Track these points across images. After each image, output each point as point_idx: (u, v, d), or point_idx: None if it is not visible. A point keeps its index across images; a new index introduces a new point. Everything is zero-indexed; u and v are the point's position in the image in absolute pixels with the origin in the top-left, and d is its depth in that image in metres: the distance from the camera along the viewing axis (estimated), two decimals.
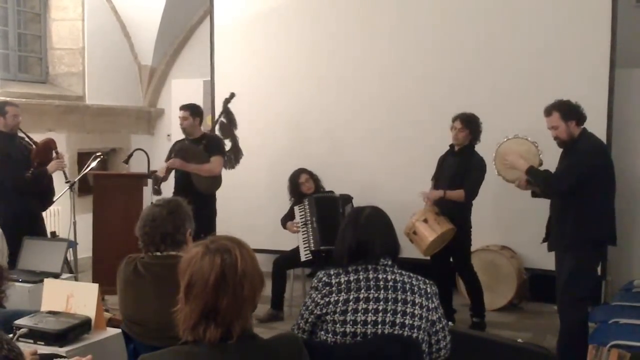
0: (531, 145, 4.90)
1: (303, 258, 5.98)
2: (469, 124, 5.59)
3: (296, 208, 6.12)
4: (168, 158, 6.27)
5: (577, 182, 4.42)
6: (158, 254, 3.07)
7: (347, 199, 6.07)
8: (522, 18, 6.54)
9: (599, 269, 5.90)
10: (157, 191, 6.17)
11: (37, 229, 5.93)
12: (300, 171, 6.25)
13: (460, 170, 5.56)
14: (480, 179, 5.59)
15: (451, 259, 5.79)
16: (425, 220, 5.48)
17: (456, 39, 6.75)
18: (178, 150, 6.12)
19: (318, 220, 5.89)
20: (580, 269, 4.49)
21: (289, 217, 6.27)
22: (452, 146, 5.75)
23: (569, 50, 6.34)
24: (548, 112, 4.58)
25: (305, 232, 5.98)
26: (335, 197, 6.07)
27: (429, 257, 5.72)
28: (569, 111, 4.52)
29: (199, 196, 5.61)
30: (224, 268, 1.86)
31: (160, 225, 3.05)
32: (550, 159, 4.80)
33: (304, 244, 5.98)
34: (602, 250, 4.68)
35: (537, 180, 4.70)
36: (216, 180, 6.47)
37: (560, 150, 4.67)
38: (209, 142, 6.38)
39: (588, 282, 4.52)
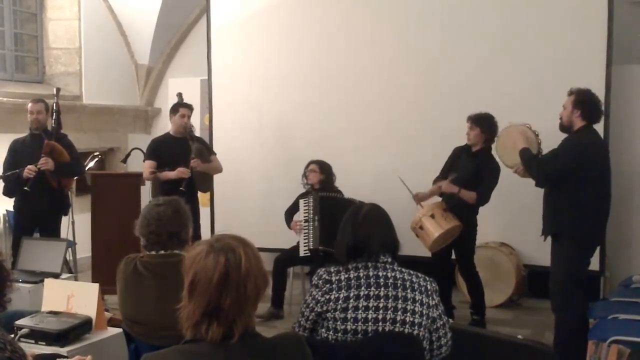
0: (530, 133, 4.87)
1: (302, 253, 5.99)
2: (478, 122, 5.54)
3: (301, 201, 6.10)
4: (153, 157, 6.15)
5: (555, 173, 4.47)
6: (159, 252, 3.08)
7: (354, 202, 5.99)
8: (518, 16, 6.55)
9: (597, 265, 5.97)
10: (155, 193, 6.15)
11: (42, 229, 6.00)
12: (313, 161, 6.26)
13: (477, 174, 5.51)
14: (494, 184, 5.57)
15: (453, 256, 5.79)
16: (432, 216, 5.47)
17: (452, 38, 6.76)
18: (198, 153, 6.11)
19: (320, 220, 5.88)
20: (558, 265, 4.54)
21: (292, 211, 6.28)
22: (469, 146, 5.69)
23: (565, 48, 6.35)
24: (570, 92, 4.63)
25: (307, 229, 5.97)
26: (341, 199, 6.00)
27: (430, 254, 5.72)
28: (581, 100, 4.55)
29: (188, 196, 5.66)
30: (228, 267, 1.86)
31: (167, 224, 3.06)
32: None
33: (304, 240, 5.98)
34: (585, 246, 4.62)
35: (524, 163, 4.72)
36: (212, 180, 6.52)
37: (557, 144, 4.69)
38: (204, 142, 6.55)
39: (570, 279, 4.51)
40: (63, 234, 6.35)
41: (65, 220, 6.25)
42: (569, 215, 4.49)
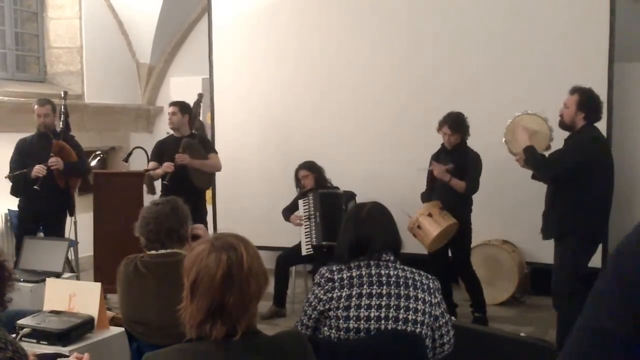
0: (545, 128, 4.84)
1: (304, 252, 5.98)
2: (458, 127, 5.61)
3: (300, 201, 6.10)
4: (155, 157, 6.22)
5: (564, 172, 4.47)
6: (160, 251, 3.08)
7: (350, 195, 6.06)
8: (520, 13, 6.54)
9: (599, 262, 5.94)
10: (151, 190, 6.17)
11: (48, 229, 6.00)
12: (300, 167, 6.24)
13: (457, 167, 5.55)
14: (479, 173, 5.62)
15: (450, 254, 5.79)
16: (430, 215, 5.48)
17: (453, 35, 6.74)
18: (186, 147, 6.11)
19: (321, 216, 5.87)
20: (564, 263, 4.54)
21: (290, 209, 6.26)
22: (444, 145, 5.75)
23: (568, 45, 6.34)
24: (573, 91, 4.62)
25: (308, 227, 5.96)
26: (339, 193, 6.04)
27: (427, 252, 5.72)
28: (586, 102, 4.55)
29: (191, 195, 5.66)
30: (230, 265, 1.85)
31: (166, 222, 3.07)
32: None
33: (306, 238, 5.98)
34: (591, 245, 4.65)
35: (530, 162, 4.72)
36: (212, 177, 6.52)
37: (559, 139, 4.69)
38: (204, 140, 6.53)
39: (574, 276, 4.50)
40: (65, 234, 6.34)
41: (68, 220, 6.25)
42: (574, 214, 4.48)
